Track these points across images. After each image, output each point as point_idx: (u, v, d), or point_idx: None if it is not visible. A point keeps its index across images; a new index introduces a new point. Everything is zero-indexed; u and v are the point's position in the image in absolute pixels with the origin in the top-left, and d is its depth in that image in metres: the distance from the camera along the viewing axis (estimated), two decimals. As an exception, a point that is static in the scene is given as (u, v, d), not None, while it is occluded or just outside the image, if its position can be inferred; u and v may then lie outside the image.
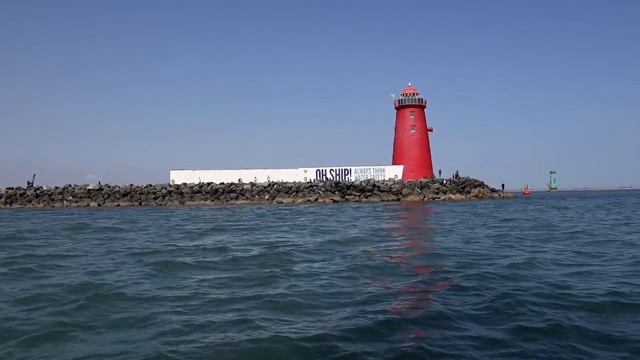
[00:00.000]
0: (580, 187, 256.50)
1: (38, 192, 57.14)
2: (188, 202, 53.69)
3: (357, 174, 61.11)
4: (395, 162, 63.64)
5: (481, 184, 58.95)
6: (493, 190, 59.94)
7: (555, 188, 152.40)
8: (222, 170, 61.40)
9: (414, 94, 64.27)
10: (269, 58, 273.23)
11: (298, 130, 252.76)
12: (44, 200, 55.92)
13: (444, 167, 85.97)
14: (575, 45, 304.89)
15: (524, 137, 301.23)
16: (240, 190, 55.58)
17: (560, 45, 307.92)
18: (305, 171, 61.99)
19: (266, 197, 54.03)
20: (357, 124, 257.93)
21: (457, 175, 59.88)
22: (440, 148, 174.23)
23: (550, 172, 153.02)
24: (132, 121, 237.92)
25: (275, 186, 56.04)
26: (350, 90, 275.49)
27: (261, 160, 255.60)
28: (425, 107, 64.90)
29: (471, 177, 59.87)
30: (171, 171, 61.66)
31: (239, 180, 59.73)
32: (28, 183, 60.96)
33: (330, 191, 54.70)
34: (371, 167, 61.56)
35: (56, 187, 58.12)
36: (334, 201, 51.58)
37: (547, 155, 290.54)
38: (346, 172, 61.34)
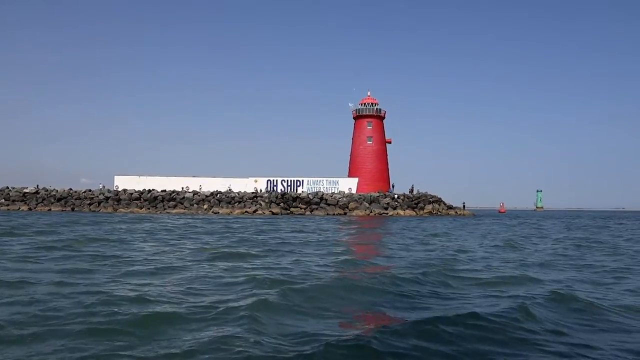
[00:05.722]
0: (574, 207, 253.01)
1: (-30, 194, 54.55)
2: (121, 210, 50.91)
3: (310, 186, 58.24)
4: (350, 175, 60.85)
5: (437, 200, 56.10)
6: (450, 208, 56.99)
7: (542, 207, 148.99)
8: (168, 177, 58.70)
9: (372, 104, 61.66)
10: (224, 67, 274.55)
11: (254, 140, 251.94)
12: (-26, 203, 53.27)
13: (403, 182, 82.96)
14: (570, 59, 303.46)
15: (513, 155, 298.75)
16: (181, 199, 52.83)
17: (554, 59, 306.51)
18: (256, 181, 59.21)
19: (204, 206, 51.24)
20: (315, 135, 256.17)
21: (412, 190, 57.07)
22: (410, 162, 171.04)
23: (537, 191, 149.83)
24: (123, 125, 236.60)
25: (218, 195, 53.28)
26: (311, 100, 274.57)
27: (218, 169, 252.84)
28: (384, 117, 62.23)
29: (429, 193, 57.15)
30: (115, 177, 59.06)
31: (182, 188, 56.98)
32: (-34, 184, 58.37)
33: (275, 202, 51.86)
34: (324, 179, 58.65)
35: (-10, 190, 55.56)
36: (273, 213, 48.68)
37: (541, 173, 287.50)
38: (298, 184, 58.51)
